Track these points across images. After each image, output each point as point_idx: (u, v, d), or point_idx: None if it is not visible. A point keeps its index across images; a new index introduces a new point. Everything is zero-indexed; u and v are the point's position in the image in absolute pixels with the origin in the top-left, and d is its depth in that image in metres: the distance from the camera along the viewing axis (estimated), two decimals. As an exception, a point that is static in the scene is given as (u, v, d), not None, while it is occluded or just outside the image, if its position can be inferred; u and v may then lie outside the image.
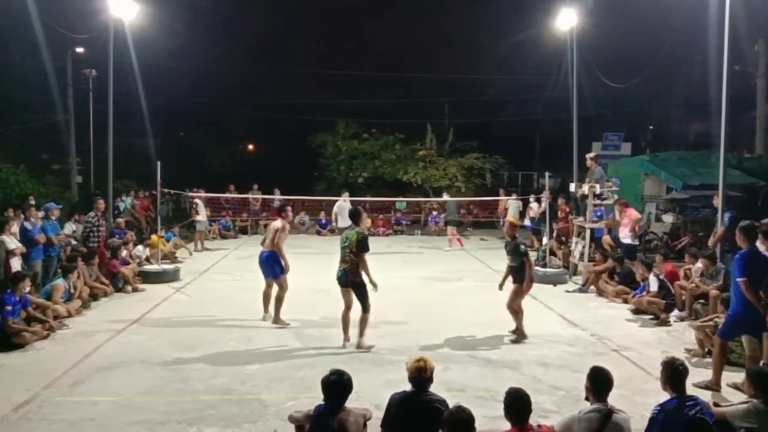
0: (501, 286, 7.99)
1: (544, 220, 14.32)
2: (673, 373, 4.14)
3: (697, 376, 6.36)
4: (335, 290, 10.75)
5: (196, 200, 16.96)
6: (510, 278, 7.94)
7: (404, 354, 6.56)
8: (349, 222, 15.95)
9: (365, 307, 7.22)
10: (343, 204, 16.84)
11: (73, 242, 12.08)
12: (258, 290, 8.78)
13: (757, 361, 5.90)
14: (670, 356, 4.34)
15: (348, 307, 7.35)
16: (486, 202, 21.10)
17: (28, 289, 8.02)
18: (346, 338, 7.37)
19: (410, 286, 11.54)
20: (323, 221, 20.71)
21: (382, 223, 20.97)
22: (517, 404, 3.81)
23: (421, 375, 4.12)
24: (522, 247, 7.74)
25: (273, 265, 8.40)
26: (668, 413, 3.98)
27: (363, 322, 7.21)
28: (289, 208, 9.02)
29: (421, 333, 7.98)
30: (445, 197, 19.09)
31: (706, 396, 5.10)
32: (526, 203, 18.54)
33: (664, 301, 8.78)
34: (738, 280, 5.83)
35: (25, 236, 9.75)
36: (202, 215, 16.71)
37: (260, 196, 20.74)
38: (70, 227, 12.25)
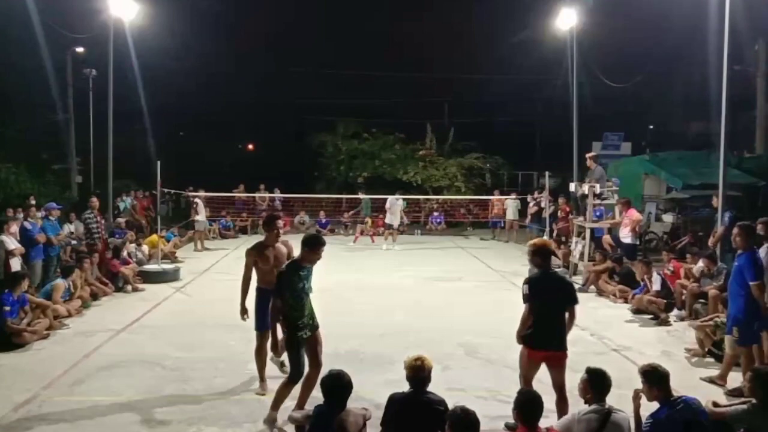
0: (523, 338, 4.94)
1: (538, 220, 14.37)
2: (662, 377, 4.13)
3: (698, 374, 6.39)
4: (336, 290, 10.85)
5: (196, 200, 16.96)
6: (532, 333, 4.87)
7: (404, 354, 6.53)
8: (398, 220, 15.02)
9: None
10: (394, 200, 17.25)
11: (73, 242, 12.10)
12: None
13: (737, 360, 5.96)
14: (645, 363, 4.36)
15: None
16: (481, 202, 21.14)
17: (25, 288, 8.01)
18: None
19: (410, 285, 11.56)
20: (323, 221, 20.72)
21: (382, 223, 20.95)
22: (529, 405, 3.81)
23: (418, 374, 4.11)
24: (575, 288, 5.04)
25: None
26: (661, 424, 3.97)
27: (284, 388, 5.09)
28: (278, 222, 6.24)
29: (421, 332, 7.98)
30: (360, 195, 19.35)
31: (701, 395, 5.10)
32: (524, 203, 18.67)
33: (665, 301, 8.77)
34: (752, 283, 5.68)
35: (25, 236, 9.75)
36: (201, 215, 16.71)
37: (267, 195, 20.85)
38: (67, 228, 12.25)
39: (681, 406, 4.02)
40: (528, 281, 4.92)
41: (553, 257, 13.34)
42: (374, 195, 19.88)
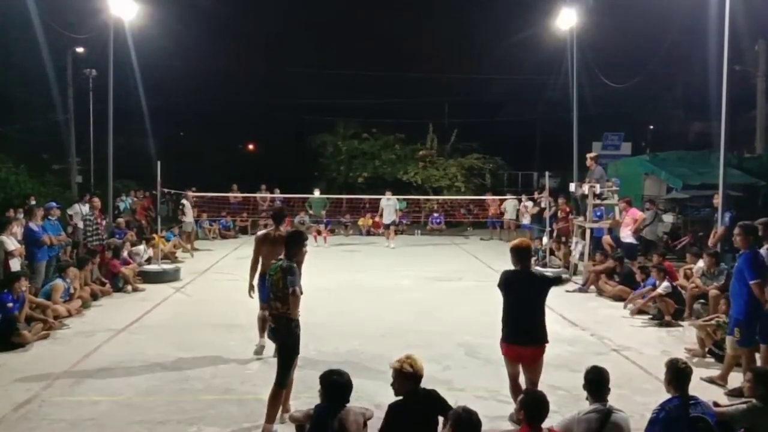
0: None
1: (539, 220, 14.33)
2: (677, 374, 4.12)
3: (698, 374, 6.34)
4: (337, 290, 10.87)
5: (183, 201, 16.64)
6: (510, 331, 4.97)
7: (404, 353, 6.54)
8: (392, 218, 14.83)
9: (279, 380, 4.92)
10: (386, 201, 17.54)
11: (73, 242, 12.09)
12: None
13: (738, 361, 5.94)
14: (674, 357, 4.34)
15: None
16: (481, 202, 21.15)
17: (24, 288, 8.00)
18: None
19: (410, 285, 11.56)
20: (323, 221, 20.67)
21: (381, 224, 20.94)
22: (535, 405, 3.81)
23: (413, 378, 4.08)
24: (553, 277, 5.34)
25: None
26: (670, 412, 3.97)
27: (274, 399, 4.90)
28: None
29: (421, 333, 7.98)
30: (316, 194, 19.32)
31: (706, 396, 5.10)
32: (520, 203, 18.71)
33: (676, 306, 8.64)
34: (752, 282, 5.66)
35: (31, 237, 9.70)
36: (188, 216, 16.50)
37: (268, 196, 20.86)
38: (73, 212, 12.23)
39: (693, 402, 4.03)
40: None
41: (553, 257, 13.36)
42: (374, 195, 19.87)
